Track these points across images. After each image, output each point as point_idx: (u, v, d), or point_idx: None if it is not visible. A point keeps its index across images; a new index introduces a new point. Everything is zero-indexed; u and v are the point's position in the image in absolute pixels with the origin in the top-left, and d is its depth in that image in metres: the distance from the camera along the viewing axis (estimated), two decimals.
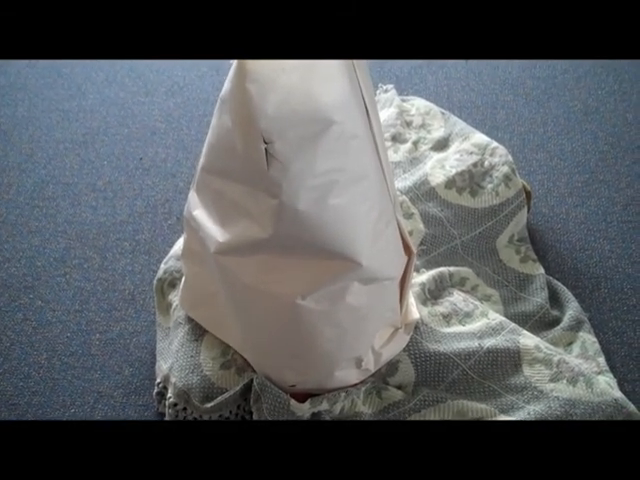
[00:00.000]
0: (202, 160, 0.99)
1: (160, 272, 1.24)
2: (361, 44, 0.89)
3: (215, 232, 0.97)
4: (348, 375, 1.07)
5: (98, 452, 0.82)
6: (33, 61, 1.83)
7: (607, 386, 1.08)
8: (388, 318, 1.07)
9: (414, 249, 1.07)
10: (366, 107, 0.94)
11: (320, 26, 0.88)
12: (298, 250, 0.92)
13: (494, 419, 1.06)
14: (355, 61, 0.91)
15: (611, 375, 1.12)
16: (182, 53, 0.92)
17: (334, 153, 0.89)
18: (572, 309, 1.20)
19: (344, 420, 1.06)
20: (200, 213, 1.01)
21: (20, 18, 0.90)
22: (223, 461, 0.83)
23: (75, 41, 0.91)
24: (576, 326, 1.18)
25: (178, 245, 1.25)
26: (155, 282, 1.24)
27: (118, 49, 0.92)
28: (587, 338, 1.16)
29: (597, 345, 1.16)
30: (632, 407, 1.06)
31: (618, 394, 1.07)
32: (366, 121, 0.94)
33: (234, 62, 0.88)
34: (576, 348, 1.15)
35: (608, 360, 1.15)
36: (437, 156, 1.40)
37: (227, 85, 0.90)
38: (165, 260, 1.26)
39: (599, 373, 1.11)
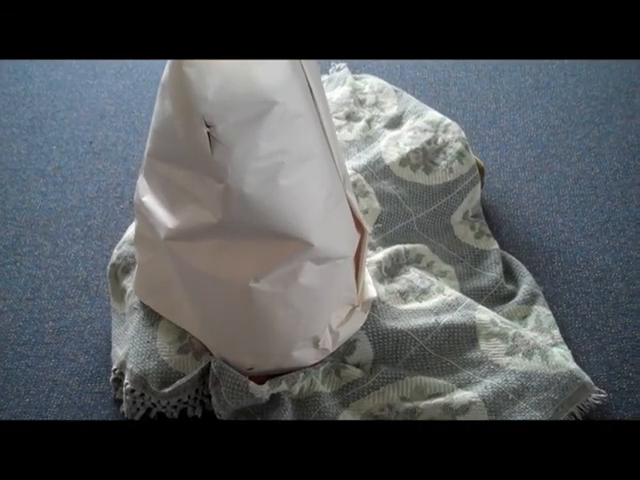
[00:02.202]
0: (148, 145, 0.97)
1: (113, 257, 1.22)
2: (307, 44, 0.89)
3: (165, 218, 0.96)
4: (306, 355, 1.07)
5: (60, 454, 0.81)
6: None
7: (562, 358, 1.09)
8: (345, 297, 1.07)
9: (367, 226, 1.07)
10: (309, 86, 0.93)
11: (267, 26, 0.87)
12: (248, 233, 0.91)
13: (452, 394, 1.06)
14: None
15: (566, 347, 1.13)
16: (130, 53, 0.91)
17: (278, 134, 0.89)
18: (526, 283, 1.21)
19: (325, 420, 1.05)
20: (149, 199, 0.99)
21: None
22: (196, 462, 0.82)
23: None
24: (530, 299, 1.19)
25: (131, 230, 1.23)
26: (109, 268, 1.22)
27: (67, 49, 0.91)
28: (541, 311, 1.18)
29: (551, 318, 1.17)
30: (587, 378, 1.08)
31: (573, 366, 1.09)
32: (310, 100, 0.93)
33: None
34: (531, 321, 1.17)
35: (562, 332, 1.17)
36: (391, 134, 1.40)
37: (166, 70, 0.89)
38: (118, 245, 1.24)
39: (554, 345, 1.13)
